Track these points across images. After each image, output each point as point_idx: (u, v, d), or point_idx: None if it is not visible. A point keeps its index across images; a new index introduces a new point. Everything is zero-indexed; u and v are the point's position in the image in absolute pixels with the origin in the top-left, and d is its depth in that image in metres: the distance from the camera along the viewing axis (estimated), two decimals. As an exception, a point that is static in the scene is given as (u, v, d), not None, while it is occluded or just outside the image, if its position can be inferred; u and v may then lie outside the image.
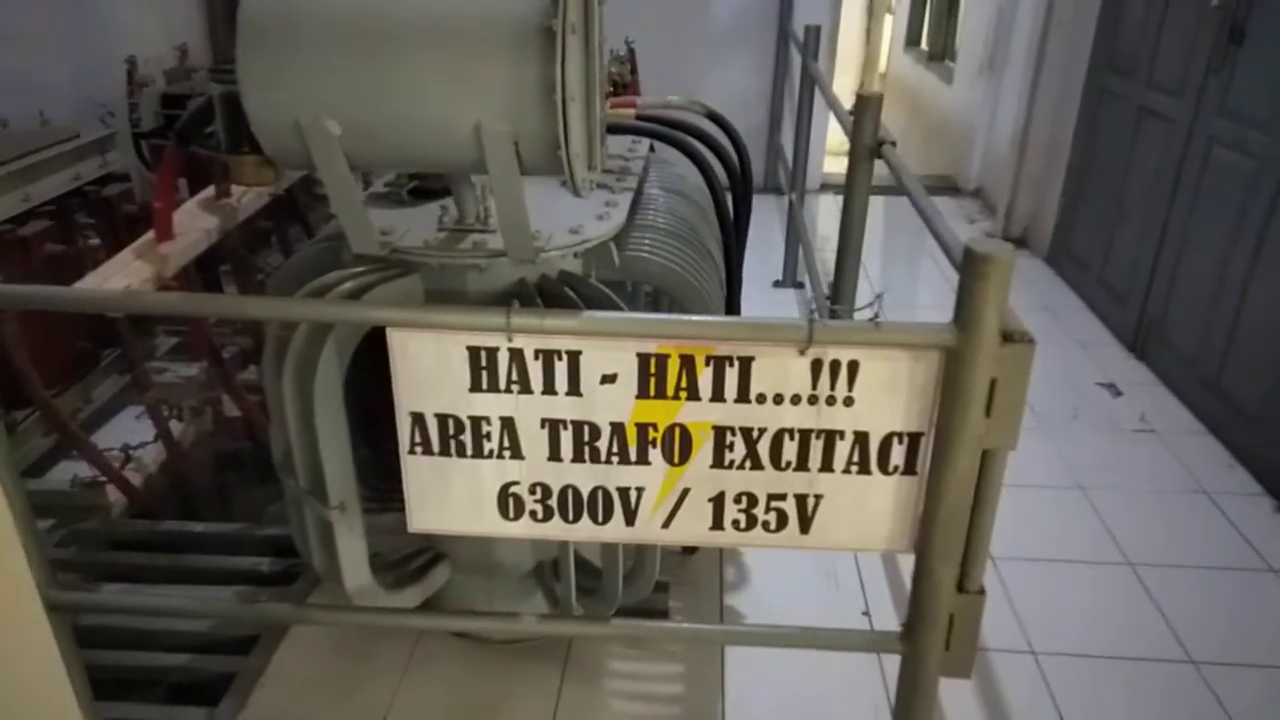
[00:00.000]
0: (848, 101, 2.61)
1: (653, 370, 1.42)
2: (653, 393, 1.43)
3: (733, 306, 2.27)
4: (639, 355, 1.41)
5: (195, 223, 2.30)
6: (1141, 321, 3.89)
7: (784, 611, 2.41)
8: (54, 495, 2.68)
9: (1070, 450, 3.21)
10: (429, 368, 1.45)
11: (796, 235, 4.56)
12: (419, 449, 1.51)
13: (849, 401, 1.43)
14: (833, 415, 1.44)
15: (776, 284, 4.72)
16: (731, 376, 1.41)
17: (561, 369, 1.43)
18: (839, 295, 2.87)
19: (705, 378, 1.42)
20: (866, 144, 2.52)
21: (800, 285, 4.67)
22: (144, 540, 2.63)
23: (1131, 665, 2.29)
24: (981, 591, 1.56)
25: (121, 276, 2.00)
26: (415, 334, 1.42)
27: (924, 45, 8.69)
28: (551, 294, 1.63)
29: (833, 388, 1.42)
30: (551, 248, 1.60)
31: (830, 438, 1.46)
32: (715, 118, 2.27)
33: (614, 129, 2.04)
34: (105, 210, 3.04)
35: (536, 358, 1.43)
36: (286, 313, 1.48)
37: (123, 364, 2.99)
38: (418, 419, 1.49)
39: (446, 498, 1.56)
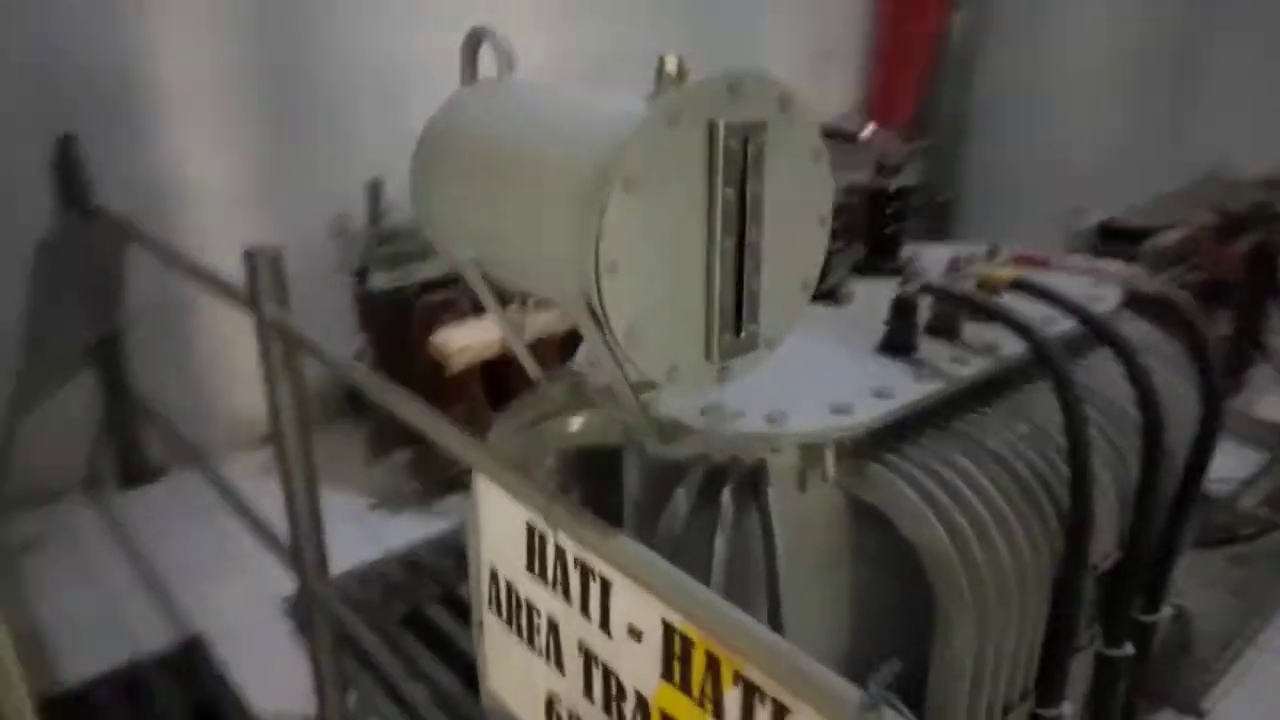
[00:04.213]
0: None
1: (678, 652, 0.99)
2: (677, 681, 1.00)
3: (1073, 605, 1.37)
4: (664, 622, 0.99)
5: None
6: None
7: None
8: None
9: None
10: (500, 526, 1.25)
11: None
12: (493, 608, 1.32)
13: None
14: None
15: None
16: (763, 717, 0.90)
17: (595, 592, 1.09)
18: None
19: (733, 699, 0.93)
20: None
21: None
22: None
23: None
24: None
25: (469, 333, 2.17)
26: (492, 486, 1.24)
27: None
28: (719, 485, 1.26)
29: (903, 823, 0.80)
30: (698, 427, 1.22)
31: None
32: (1162, 302, 1.46)
33: (946, 296, 1.44)
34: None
35: (575, 566, 1.11)
36: (424, 425, 1.41)
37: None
38: (494, 576, 1.30)
39: (511, 675, 1.33)
